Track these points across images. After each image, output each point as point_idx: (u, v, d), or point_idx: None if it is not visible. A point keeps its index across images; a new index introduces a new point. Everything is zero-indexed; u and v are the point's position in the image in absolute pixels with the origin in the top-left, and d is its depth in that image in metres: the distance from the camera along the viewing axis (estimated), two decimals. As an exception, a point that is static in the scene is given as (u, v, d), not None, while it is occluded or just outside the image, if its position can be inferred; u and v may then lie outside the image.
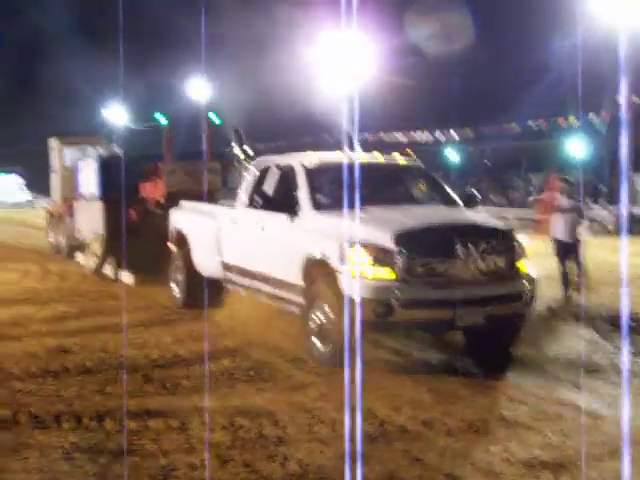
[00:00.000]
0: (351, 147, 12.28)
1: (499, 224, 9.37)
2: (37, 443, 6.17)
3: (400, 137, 59.23)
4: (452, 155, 56.96)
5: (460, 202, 10.31)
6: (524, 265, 8.94)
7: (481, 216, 9.85)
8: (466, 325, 8.63)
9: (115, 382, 7.93)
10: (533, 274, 9.08)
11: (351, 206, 9.38)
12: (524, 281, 8.89)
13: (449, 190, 10.63)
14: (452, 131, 56.79)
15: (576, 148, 39.68)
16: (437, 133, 55.94)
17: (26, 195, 73.29)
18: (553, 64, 39.52)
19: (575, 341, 10.35)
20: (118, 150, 22.67)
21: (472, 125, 56.07)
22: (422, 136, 58.13)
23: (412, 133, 58.20)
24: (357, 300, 8.15)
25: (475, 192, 11.11)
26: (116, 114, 48.24)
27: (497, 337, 8.94)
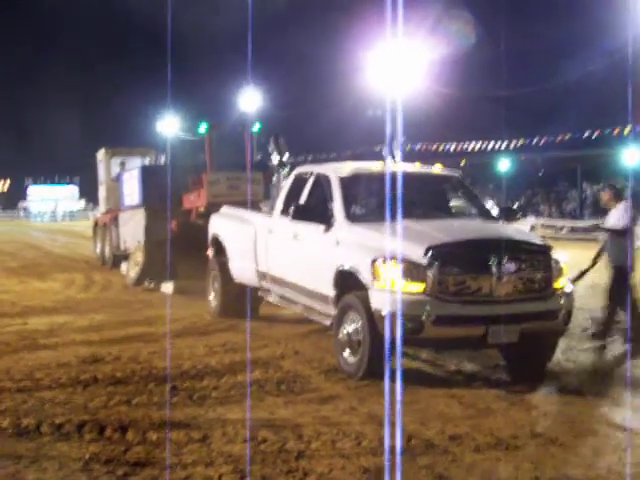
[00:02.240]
0: (392, 157, 12.21)
1: (536, 240, 9.12)
2: (58, 454, 6.13)
3: (452, 147, 58.77)
4: (504, 165, 56.41)
5: (498, 216, 10.09)
6: (560, 282, 8.70)
7: (518, 231, 9.58)
8: (499, 343, 8.40)
9: (143, 393, 7.88)
10: (569, 291, 8.84)
11: (385, 218, 9.30)
12: (560, 298, 8.63)
13: (485, 203, 10.43)
14: (504, 141, 56.22)
15: (631, 158, 38.91)
16: (489, 143, 55.34)
17: (81, 205, 74.48)
18: (605, 72, 38.95)
19: (616, 356, 10.11)
20: (165, 160, 22.82)
21: (524, 134, 55.46)
22: (473, 146, 57.59)
23: (463, 143, 57.69)
24: (385, 314, 8.03)
25: (515, 206, 10.86)
26: (168, 125, 48.66)
27: (533, 353, 8.68)
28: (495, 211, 10.47)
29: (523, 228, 10.38)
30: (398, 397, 7.81)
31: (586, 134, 48.74)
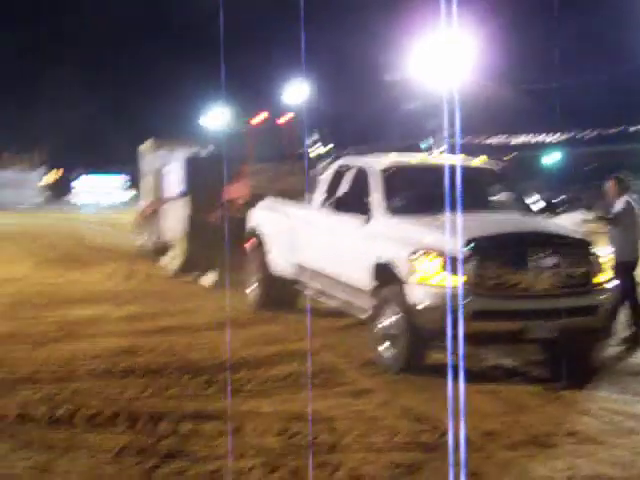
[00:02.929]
0: (433, 150, 12.08)
1: (576, 234, 8.92)
2: (89, 444, 6.15)
3: (500, 140, 58.31)
4: (552, 159, 55.85)
5: (537, 210, 9.92)
6: (601, 277, 8.52)
7: (557, 225, 9.39)
8: (536, 338, 8.26)
9: (177, 385, 7.89)
10: (610, 287, 8.66)
11: (424, 211, 9.20)
12: (601, 294, 8.47)
13: (526, 197, 10.26)
14: (552, 134, 55.70)
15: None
16: (537, 137, 54.85)
17: (130, 196, 75.17)
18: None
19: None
20: (209, 152, 22.84)
21: (573, 129, 54.89)
22: (522, 139, 57.10)
23: (512, 137, 57.23)
24: (421, 308, 7.95)
25: (559, 200, 10.68)
26: (214, 118, 48.91)
27: (573, 349, 8.51)
28: (540, 205, 10.31)
29: (568, 222, 10.13)
30: (433, 392, 7.75)
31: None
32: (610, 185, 10.74)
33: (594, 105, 50.98)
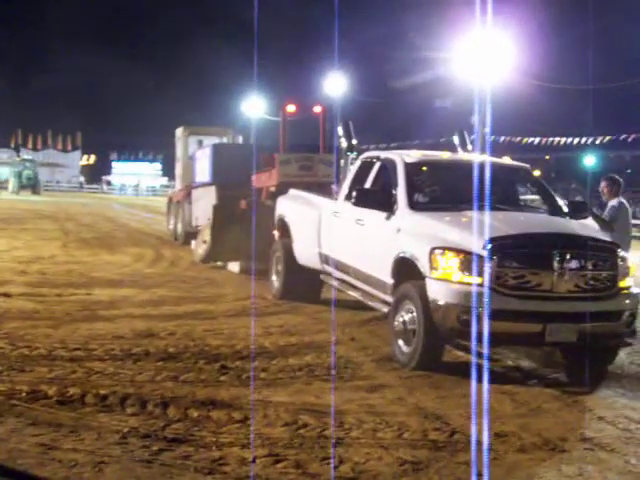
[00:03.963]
0: (464, 147, 11.98)
1: (602, 237, 8.77)
2: (98, 425, 6.14)
3: (537, 141, 57.73)
4: (590, 161, 55.30)
5: (566, 210, 9.76)
6: (627, 282, 8.38)
7: (584, 227, 9.24)
8: (557, 341, 8.14)
9: (192, 370, 7.86)
10: (636, 292, 8.52)
11: (448, 208, 9.12)
12: (626, 299, 8.32)
13: (555, 197, 10.14)
14: (591, 137, 55.04)
15: None
16: (575, 138, 54.20)
17: (163, 182, 75.74)
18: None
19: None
20: (237, 140, 22.84)
21: (612, 130, 54.20)
22: (560, 140, 56.47)
23: (549, 137, 56.61)
24: (441, 305, 7.88)
25: (586, 201, 10.58)
26: (253, 106, 49.11)
27: (593, 353, 8.35)
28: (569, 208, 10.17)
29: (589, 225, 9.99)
30: (448, 390, 7.68)
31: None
32: (604, 186, 10.86)
33: (637, 107, 50.37)
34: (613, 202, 10.60)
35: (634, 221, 40.57)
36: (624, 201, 10.65)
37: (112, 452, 5.58)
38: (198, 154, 18.99)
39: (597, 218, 10.53)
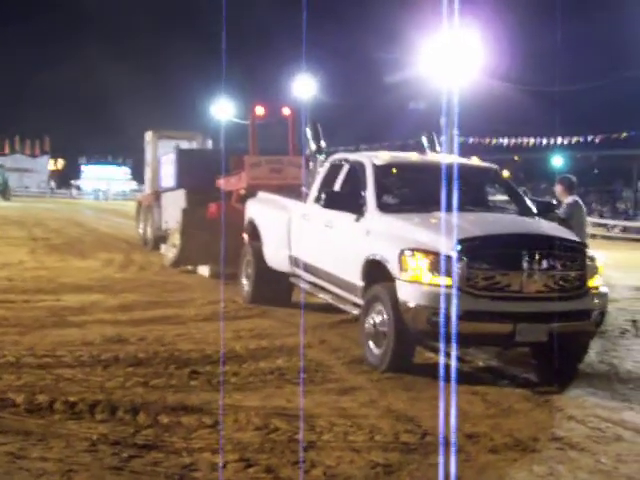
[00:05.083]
0: (432, 148, 11.99)
1: (571, 237, 8.80)
2: (67, 432, 6.08)
3: (505, 142, 58.04)
4: (558, 162, 55.67)
5: (535, 211, 9.79)
6: (595, 281, 8.44)
7: (553, 227, 9.28)
8: (527, 341, 8.18)
9: (162, 375, 7.81)
10: (604, 291, 8.58)
11: (417, 209, 9.13)
12: (594, 298, 8.37)
13: (524, 197, 10.18)
14: (558, 137, 55.41)
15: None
16: (543, 139, 54.53)
17: (133, 186, 75.36)
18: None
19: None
20: (211, 144, 22.74)
21: (579, 131, 54.63)
22: (527, 141, 56.78)
23: (517, 138, 56.93)
24: (410, 307, 7.89)
25: (553, 201, 10.65)
26: (222, 109, 49.01)
27: (563, 353, 8.38)
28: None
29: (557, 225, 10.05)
30: (419, 392, 7.68)
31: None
32: (558, 186, 11.08)
33: (604, 108, 50.80)
34: (568, 200, 10.77)
35: (600, 220, 41.14)
36: (578, 199, 10.85)
37: (81, 460, 5.53)
38: (163, 159, 18.98)
39: (554, 216, 10.63)
